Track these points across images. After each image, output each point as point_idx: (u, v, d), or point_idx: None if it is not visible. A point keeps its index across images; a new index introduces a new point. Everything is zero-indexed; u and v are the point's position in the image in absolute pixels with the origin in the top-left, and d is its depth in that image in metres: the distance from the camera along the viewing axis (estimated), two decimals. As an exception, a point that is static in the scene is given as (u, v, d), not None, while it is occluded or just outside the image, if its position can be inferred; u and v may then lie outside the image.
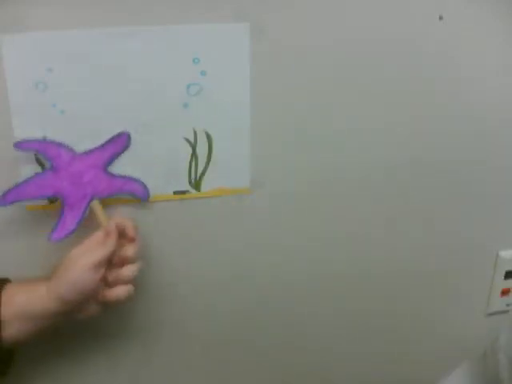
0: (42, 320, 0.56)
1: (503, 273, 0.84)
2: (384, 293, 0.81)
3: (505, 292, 0.85)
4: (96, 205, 0.60)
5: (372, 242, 0.77)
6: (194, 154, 0.66)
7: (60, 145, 0.58)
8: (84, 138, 0.62)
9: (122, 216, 0.62)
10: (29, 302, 0.55)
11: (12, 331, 0.55)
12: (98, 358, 0.73)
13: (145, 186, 0.62)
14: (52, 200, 0.64)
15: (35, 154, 0.61)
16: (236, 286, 0.74)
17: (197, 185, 0.67)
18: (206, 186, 0.68)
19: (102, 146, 0.60)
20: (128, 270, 0.59)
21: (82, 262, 0.56)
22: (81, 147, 0.62)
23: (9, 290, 0.56)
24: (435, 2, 0.67)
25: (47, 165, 0.60)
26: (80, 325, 0.65)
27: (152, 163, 0.65)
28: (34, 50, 0.58)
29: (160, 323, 0.74)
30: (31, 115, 0.60)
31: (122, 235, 0.60)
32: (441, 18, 0.68)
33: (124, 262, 0.60)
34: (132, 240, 0.60)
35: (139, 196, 0.63)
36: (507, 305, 0.86)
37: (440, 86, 0.71)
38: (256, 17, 0.62)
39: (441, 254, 0.81)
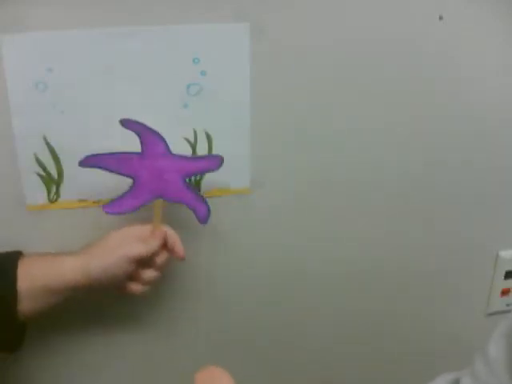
0: (62, 294, 0.56)
1: (503, 273, 0.84)
2: (384, 293, 0.81)
3: (505, 292, 0.85)
4: (159, 203, 0.61)
5: (372, 241, 0.77)
6: (193, 154, 0.66)
7: (161, 137, 0.59)
8: (84, 138, 0.62)
9: (120, 218, 0.62)
10: (51, 274, 0.55)
11: (30, 305, 0.54)
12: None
13: (209, 211, 0.63)
14: (52, 200, 0.64)
15: (35, 154, 0.61)
16: (236, 285, 0.74)
17: (197, 185, 0.67)
18: (206, 186, 0.68)
19: (196, 158, 0.62)
20: (149, 275, 0.61)
21: (123, 252, 0.57)
22: (80, 147, 0.62)
23: (24, 263, 0.55)
24: (435, 2, 0.67)
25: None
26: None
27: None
28: (34, 50, 0.58)
29: (160, 323, 0.74)
30: (31, 115, 0.60)
31: (165, 244, 0.62)
32: (441, 17, 0.68)
33: (151, 265, 0.61)
34: (180, 257, 0.62)
35: (199, 218, 0.63)
36: (507, 305, 0.86)
37: (440, 86, 0.71)
38: (256, 17, 0.62)
39: (441, 254, 0.81)
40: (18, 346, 0.58)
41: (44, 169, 0.62)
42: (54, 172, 0.63)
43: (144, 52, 0.61)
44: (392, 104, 0.71)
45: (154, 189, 0.60)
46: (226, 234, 0.71)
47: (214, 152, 0.66)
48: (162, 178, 0.60)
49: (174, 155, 0.60)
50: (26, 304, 0.54)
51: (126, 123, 0.58)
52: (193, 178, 0.67)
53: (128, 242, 0.58)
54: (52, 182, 0.63)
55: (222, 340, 0.77)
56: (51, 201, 0.64)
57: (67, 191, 0.64)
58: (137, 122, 0.58)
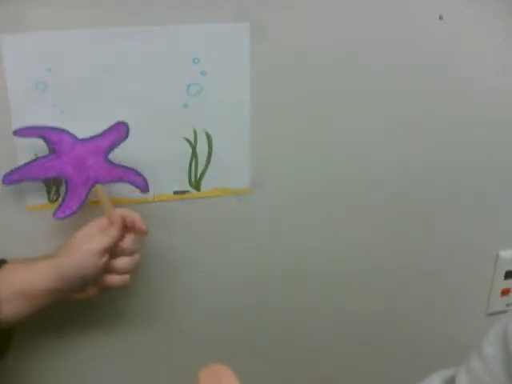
0: (41, 298, 0.56)
1: (503, 273, 0.84)
2: (384, 293, 0.81)
3: (505, 292, 0.85)
4: (99, 189, 0.61)
5: (372, 241, 0.77)
6: (194, 154, 0.66)
7: (62, 130, 0.60)
8: (83, 137, 0.62)
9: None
10: (28, 280, 0.56)
11: (10, 310, 0.55)
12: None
13: (144, 178, 0.63)
14: (52, 200, 0.64)
15: (35, 154, 0.61)
16: (236, 285, 0.74)
17: (197, 185, 0.67)
18: (205, 185, 0.68)
19: (102, 133, 0.61)
20: (122, 263, 0.60)
21: (87, 247, 0.57)
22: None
23: (6, 269, 0.56)
24: (435, 2, 0.67)
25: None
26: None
27: (152, 163, 0.65)
28: (34, 50, 0.58)
29: (159, 322, 0.74)
30: (31, 115, 0.60)
31: (126, 226, 0.61)
32: (441, 17, 0.68)
33: (123, 252, 0.61)
34: (143, 232, 0.61)
35: (139, 186, 0.63)
36: (507, 305, 0.86)
37: (440, 86, 0.71)
38: (256, 17, 0.62)
39: (441, 254, 0.81)
40: (3, 352, 0.59)
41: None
42: (53, 172, 0.63)
43: (144, 52, 0.61)
44: (392, 104, 0.71)
45: (85, 179, 0.60)
46: (226, 234, 0.71)
47: (215, 152, 0.66)
48: (87, 166, 0.60)
49: (83, 140, 0.60)
50: (7, 310, 0.55)
51: (22, 132, 0.59)
52: (193, 179, 0.67)
53: (90, 237, 0.58)
54: (52, 182, 0.63)
55: (221, 340, 0.77)
56: (51, 201, 0.64)
57: (67, 191, 0.64)
58: (32, 128, 0.59)
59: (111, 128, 0.61)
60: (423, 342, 0.86)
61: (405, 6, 0.66)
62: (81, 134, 0.61)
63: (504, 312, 0.87)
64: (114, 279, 0.60)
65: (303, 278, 0.77)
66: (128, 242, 0.61)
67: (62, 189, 0.63)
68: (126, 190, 0.64)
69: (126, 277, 0.61)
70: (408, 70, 0.69)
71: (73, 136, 0.60)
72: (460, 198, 0.78)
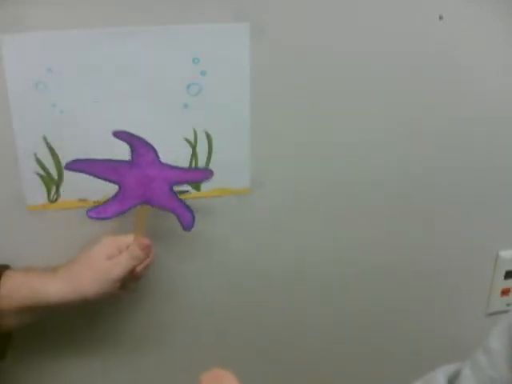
0: (48, 310, 0.56)
1: (503, 273, 0.84)
2: (384, 293, 0.81)
3: (505, 292, 0.85)
4: (144, 210, 0.61)
5: (372, 241, 0.77)
6: (193, 154, 0.66)
7: (151, 147, 0.59)
8: (83, 138, 0.62)
9: (120, 218, 0.62)
10: (32, 298, 0.54)
11: (11, 320, 0.54)
12: (95, 354, 0.73)
13: (194, 218, 0.63)
14: (52, 200, 0.64)
15: (35, 154, 0.61)
16: (236, 285, 0.74)
17: (197, 185, 0.67)
18: (205, 185, 0.68)
19: (187, 169, 0.63)
20: (133, 283, 0.62)
21: (114, 274, 0.57)
22: (80, 147, 0.62)
23: (9, 280, 0.55)
24: (435, 2, 0.67)
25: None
26: (79, 322, 0.66)
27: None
28: (34, 50, 0.58)
29: (158, 322, 0.74)
30: (31, 115, 0.60)
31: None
32: (441, 17, 0.67)
33: (136, 277, 0.62)
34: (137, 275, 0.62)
35: (184, 224, 0.63)
36: (507, 305, 0.86)
37: (440, 86, 0.71)
38: (256, 17, 0.62)
39: (441, 254, 0.81)
40: (2, 354, 0.58)
41: (44, 169, 0.62)
42: (53, 172, 0.63)
43: (144, 52, 0.61)
44: (392, 104, 0.71)
45: (140, 195, 0.60)
46: (226, 234, 0.71)
47: (214, 152, 0.66)
48: (150, 186, 0.60)
49: (164, 164, 0.60)
50: (8, 320, 0.54)
51: (119, 135, 0.58)
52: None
53: (117, 260, 0.58)
54: (52, 182, 0.63)
55: (221, 340, 0.77)
56: (51, 201, 0.64)
57: (67, 191, 0.64)
58: (128, 133, 0.59)
59: (197, 168, 0.64)
60: (423, 341, 0.86)
61: (405, 6, 0.66)
62: (81, 134, 0.61)
63: (504, 312, 0.87)
64: (122, 293, 0.62)
65: (303, 278, 0.77)
66: (142, 268, 0.62)
67: (62, 188, 0.63)
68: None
69: (128, 292, 0.63)
70: (408, 70, 0.69)
71: (157, 156, 0.59)
72: (460, 197, 0.78)
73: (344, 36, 0.66)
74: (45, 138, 0.61)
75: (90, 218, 0.60)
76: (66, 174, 0.63)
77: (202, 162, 0.66)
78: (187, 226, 0.63)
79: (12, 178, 0.61)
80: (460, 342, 0.86)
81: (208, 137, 0.66)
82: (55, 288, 0.55)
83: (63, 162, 0.62)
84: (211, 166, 0.67)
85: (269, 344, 0.79)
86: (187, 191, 0.67)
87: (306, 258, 0.76)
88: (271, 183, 0.70)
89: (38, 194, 0.63)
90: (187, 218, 0.63)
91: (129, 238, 0.61)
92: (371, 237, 0.77)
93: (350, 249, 0.77)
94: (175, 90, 0.63)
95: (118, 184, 0.59)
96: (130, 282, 0.62)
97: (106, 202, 0.60)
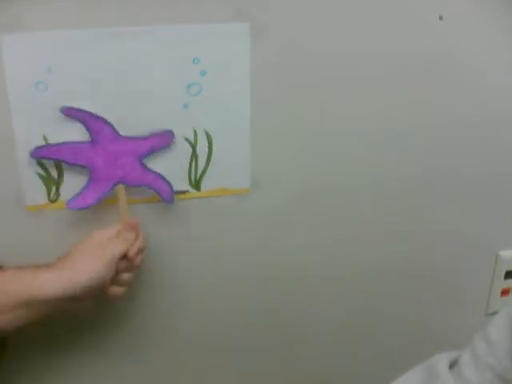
0: (45, 307, 0.54)
1: (503, 273, 0.84)
2: (384, 293, 0.81)
3: (505, 292, 0.85)
4: (121, 189, 0.60)
5: (372, 241, 0.77)
6: (194, 154, 0.66)
7: (106, 122, 0.58)
8: (83, 137, 0.62)
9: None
10: (35, 288, 0.53)
11: (9, 319, 0.53)
12: (95, 358, 0.73)
13: (172, 189, 0.62)
14: (52, 200, 0.64)
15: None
16: (236, 285, 0.74)
17: (197, 185, 0.67)
18: (205, 186, 0.68)
19: (145, 137, 0.60)
20: (127, 276, 0.60)
21: (109, 254, 0.56)
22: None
23: (2, 277, 0.54)
24: (435, 2, 0.67)
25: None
26: (76, 325, 0.65)
27: (152, 163, 0.65)
28: (34, 50, 0.58)
29: (158, 322, 0.74)
30: (31, 115, 0.60)
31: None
32: (441, 18, 0.68)
33: (131, 268, 0.61)
34: (135, 263, 0.61)
35: (164, 197, 0.62)
36: (507, 305, 0.86)
37: (440, 86, 0.71)
38: (256, 17, 0.62)
39: (441, 254, 0.81)
40: None
41: (44, 169, 0.62)
42: (53, 172, 0.63)
43: (144, 52, 0.61)
44: (392, 104, 0.71)
45: (111, 175, 0.59)
46: (226, 234, 0.71)
47: (215, 152, 0.66)
48: (118, 163, 0.58)
49: (125, 137, 0.59)
50: (7, 319, 0.53)
51: (68, 112, 0.57)
52: (193, 179, 0.67)
53: (108, 243, 0.57)
54: (52, 182, 0.63)
55: (221, 340, 0.77)
56: (51, 201, 0.64)
57: (67, 191, 0.64)
58: (79, 110, 0.57)
59: (157, 133, 0.60)
60: (423, 341, 0.86)
61: (405, 6, 0.66)
62: (81, 134, 0.61)
63: (504, 312, 0.87)
64: (116, 291, 0.60)
65: (303, 278, 0.77)
66: (137, 260, 0.61)
67: (62, 189, 0.63)
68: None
69: (126, 288, 0.61)
70: (408, 70, 0.69)
71: (115, 130, 0.58)
72: (460, 198, 0.78)
73: (344, 36, 0.66)
74: (45, 138, 0.61)
75: (72, 209, 0.59)
76: (66, 174, 0.63)
77: (201, 162, 0.66)
78: (167, 199, 0.62)
79: (12, 178, 0.61)
80: (460, 342, 0.86)
81: (208, 137, 0.66)
82: (48, 278, 0.54)
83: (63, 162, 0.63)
84: (211, 166, 0.67)
85: (269, 344, 0.79)
86: (187, 191, 0.67)
87: (306, 258, 0.76)
88: (271, 183, 0.70)
89: (38, 193, 0.63)
90: (166, 190, 0.62)
91: (116, 227, 0.60)
92: (371, 236, 0.77)
93: (350, 249, 0.77)
94: (175, 89, 0.63)
95: (87, 167, 0.59)
96: (125, 274, 0.60)
97: (83, 190, 0.59)
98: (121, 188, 0.60)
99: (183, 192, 0.67)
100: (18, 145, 0.61)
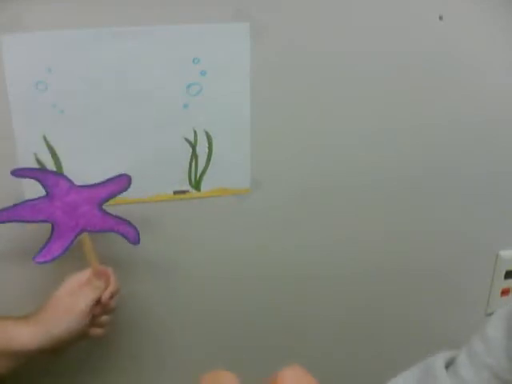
0: (22, 357, 0.55)
1: (503, 273, 0.84)
2: (384, 293, 0.81)
3: (505, 292, 0.85)
4: (85, 238, 0.60)
5: (372, 241, 0.77)
6: (194, 154, 0.66)
7: (59, 175, 0.59)
8: (83, 137, 0.62)
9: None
10: (8, 338, 0.54)
11: None
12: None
13: (136, 230, 0.62)
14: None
15: (35, 154, 0.61)
16: (236, 285, 0.74)
17: (197, 185, 0.67)
18: (206, 186, 0.68)
19: (103, 183, 0.60)
20: (105, 317, 0.61)
21: (78, 308, 0.57)
22: (80, 147, 0.62)
23: None
24: (435, 2, 0.67)
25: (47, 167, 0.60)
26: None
27: (152, 163, 0.65)
28: (34, 50, 0.58)
29: (158, 322, 0.74)
30: (31, 115, 0.60)
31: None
32: (441, 18, 0.68)
33: (108, 311, 0.61)
34: (109, 307, 0.61)
35: (130, 239, 0.62)
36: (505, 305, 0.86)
37: (440, 86, 0.71)
38: (256, 17, 0.62)
39: (441, 254, 0.81)
40: None
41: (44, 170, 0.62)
42: (53, 172, 0.63)
43: (144, 52, 0.61)
44: (392, 104, 0.71)
45: (73, 226, 0.59)
46: (226, 234, 0.71)
47: (215, 152, 0.66)
48: (77, 213, 0.59)
49: (80, 186, 0.59)
50: None
51: (18, 172, 0.57)
52: (193, 179, 0.67)
53: (78, 294, 0.58)
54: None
55: (221, 340, 0.77)
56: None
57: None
58: (29, 169, 0.58)
59: (113, 179, 0.60)
60: (423, 341, 0.86)
61: (405, 6, 0.66)
62: (81, 134, 0.61)
63: (504, 312, 0.87)
64: (97, 332, 0.61)
65: (303, 278, 0.77)
66: (112, 303, 0.61)
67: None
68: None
69: (107, 327, 0.62)
70: (408, 70, 0.69)
71: (69, 181, 0.59)
72: (460, 198, 0.78)
73: (344, 36, 0.66)
74: (45, 138, 0.61)
75: (39, 263, 0.59)
76: (66, 173, 0.63)
77: (201, 162, 0.66)
78: (134, 241, 0.62)
79: (12, 177, 0.61)
80: (460, 342, 0.86)
81: (208, 137, 0.66)
82: (28, 331, 0.55)
83: (63, 162, 0.63)
84: (211, 166, 0.67)
85: (268, 344, 0.79)
86: (187, 191, 0.67)
87: (306, 258, 0.76)
88: (271, 183, 0.70)
89: (37, 194, 0.63)
90: (131, 232, 0.62)
91: (88, 272, 0.60)
92: (371, 237, 0.77)
93: (350, 249, 0.77)
94: (175, 89, 0.63)
95: (49, 222, 0.59)
96: (103, 317, 0.61)
97: (48, 243, 0.59)
98: (85, 236, 0.60)
99: (183, 192, 0.67)
100: (18, 145, 0.61)
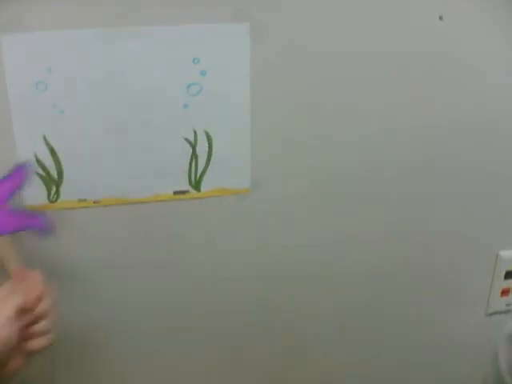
0: None
1: (503, 273, 0.84)
2: (384, 293, 0.81)
3: (505, 292, 0.85)
4: (5, 242, 0.56)
5: (372, 242, 0.77)
6: (194, 154, 0.66)
7: None
8: (83, 137, 0.62)
9: (120, 218, 0.62)
10: None
11: None
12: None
13: (48, 219, 0.57)
14: (52, 200, 0.64)
15: (35, 154, 0.61)
16: (236, 285, 0.74)
17: (197, 185, 0.67)
18: (206, 186, 0.68)
19: (0, 181, 0.56)
20: (40, 326, 0.54)
21: (4, 313, 0.50)
22: (80, 147, 0.62)
23: None
24: (435, 2, 0.67)
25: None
26: None
27: (152, 163, 0.65)
28: (34, 50, 0.58)
29: (158, 322, 0.74)
30: (31, 115, 0.60)
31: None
32: (441, 18, 0.68)
33: (41, 317, 0.54)
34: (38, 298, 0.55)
35: (41, 230, 0.57)
36: (507, 305, 0.86)
37: (440, 86, 0.71)
38: (256, 17, 0.62)
39: (441, 254, 0.81)
40: None
41: (44, 169, 0.62)
42: (53, 172, 0.63)
43: (144, 52, 0.61)
44: (392, 104, 0.71)
45: None
46: (226, 234, 0.71)
47: (215, 152, 0.66)
48: None
49: None
50: None
51: None
52: (193, 179, 0.67)
53: (3, 301, 0.51)
54: (52, 182, 0.63)
55: (221, 340, 0.77)
56: (51, 201, 0.64)
57: (67, 191, 0.64)
58: None
59: (9, 175, 0.56)
60: (423, 341, 0.86)
61: (405, 6, 0.66)
62: (81, 134, 0.61)
63: (504, 312, 0.87)
64: (36, 344, 0.54)
65: (303, 278, 0.77)
66: (43, 305, 0.54)
67: (62, 188, 0.63)
68: (125, 190, 0.64)
69: (49, 336, 0.55)
70: (408, 69, 0.69)
71: None
72: (460, 197, 0.78)
73: (344, 36, 0.66)
74: (45, 138, 0.61)
75: None
76: (66, 173, 0.63)
77: (201, 162, 0.66)
78: (45, 231, 0.57)
79: (12, 178, 0.61)
80: (460, 342, 0.87)
81: (208, 137, 0.66)
82: None
83: (63, 162, 0.63)
84: (211, 166, 0.67)
85: (268, 344, 0.79)
86: (187, 191, 0.67)
87: (306, 258, 0.76)
88: (271, 183, 0.70)
89: (37, 194, 0.63)
90: (41, 223, 0.57)
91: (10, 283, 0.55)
92: (371, 237, 0.77)
93: (350, 249, 0.77)
94: (175, 89, 0.63)
95: None
96: (38, 324, 0.54)
97: None
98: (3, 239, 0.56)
99: (183, 192, 0.67)
100: (18, 145, 0.61)
